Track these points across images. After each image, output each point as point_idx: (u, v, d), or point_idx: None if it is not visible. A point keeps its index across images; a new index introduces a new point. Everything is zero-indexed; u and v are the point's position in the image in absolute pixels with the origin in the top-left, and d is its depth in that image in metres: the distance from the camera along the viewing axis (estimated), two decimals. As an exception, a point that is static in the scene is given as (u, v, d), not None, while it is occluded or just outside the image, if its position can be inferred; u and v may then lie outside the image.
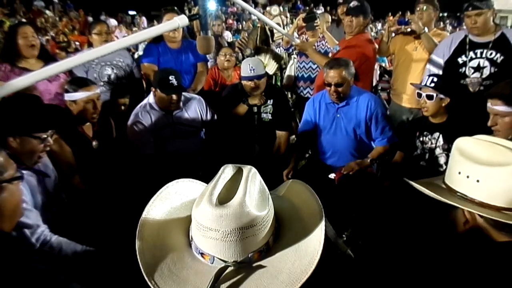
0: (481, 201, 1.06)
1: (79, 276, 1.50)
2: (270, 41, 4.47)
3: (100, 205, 2.20)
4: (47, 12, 10.62)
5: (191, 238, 0.93)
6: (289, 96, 4.31)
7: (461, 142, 1.16)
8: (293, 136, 3.57)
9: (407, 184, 1.48)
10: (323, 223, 0.93)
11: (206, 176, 2.81)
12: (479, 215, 1.08)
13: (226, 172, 0.93)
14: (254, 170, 0.94)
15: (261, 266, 0.88)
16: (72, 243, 1.77)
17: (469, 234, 1.11)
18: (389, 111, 3.64)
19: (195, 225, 0.88)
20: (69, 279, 1.24)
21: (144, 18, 12.32)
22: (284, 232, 0.96)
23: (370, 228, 2.54)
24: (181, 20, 1.82)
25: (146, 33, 1.92)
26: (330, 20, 4.80)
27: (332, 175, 2.68)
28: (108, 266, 1.72)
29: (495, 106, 2.00)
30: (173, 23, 1.85)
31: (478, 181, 1.07)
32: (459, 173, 1.12)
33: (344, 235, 2.48)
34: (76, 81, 2.44)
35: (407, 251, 1.95)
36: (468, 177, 1.09)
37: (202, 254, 0.90)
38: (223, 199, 0.86)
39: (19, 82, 1.47)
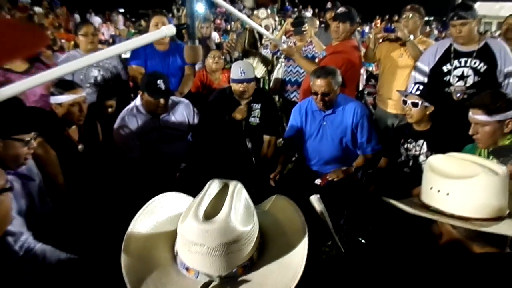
0: (452, 213, 1.11)
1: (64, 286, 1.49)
2: (259, 44, 4.48)
3: (86, 209, 2.18)
4: (36, 8, 10.43)
5: (176, 252, 0.94)
6: (276, 99, 4.33)
7: (432, 159, 1.22)
8: (280, 140, 3.59)
9: (391, 192, 1.50)
10: (306, 239, 0.95)
11: (190, 175, 2.80)
12: (451, 226, 1.13)
13: (212, 187, 0.94)
14: (240, 185, 0.95)
15: (245, 281, 0.89)
16: (56, 251, 1.74)
17: (449, 247, 1.15)
18: (374, 116, 3.70)
19: (181, 240, 0.89)
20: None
21: (120, 17, 12.14)
22: (268, 247, 0.97)
23: (356, 234, 2.58)
24: (168, 30, 1.82)
25: (133, 42, 1.90)
26: (317, 25, 4.84)
27: (317, 181, 2.71)
28: (92, 274, 1.71)
29: (476, 116, 2.05)
30: (160, 33, 1.84)
31: (448, 194, 1.12)
32: (431, 188, 1.17)
33: (330, 241, 2.51)
34: (62, 84, 2.41)
35: (392, 258, 1.99)
36: (439, 191, 1.14)
37: (187, 268, 0.90)
38: (209, 214, 0.87)
39: (7, 90, 1.45)
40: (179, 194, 1.13)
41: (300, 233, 0.97)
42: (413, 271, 1.27)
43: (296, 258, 0.92)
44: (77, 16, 11.51)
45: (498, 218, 1.09)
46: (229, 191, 0.92)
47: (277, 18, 4.71)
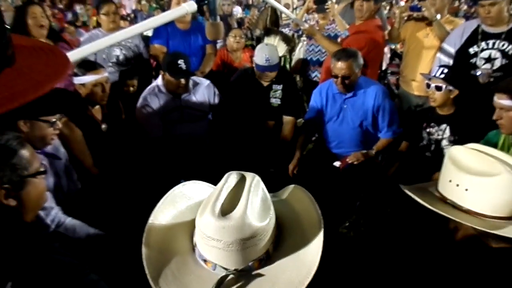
0: (468, 209, 1.11)
1: (92, 261, 1.56)
2: (280, 22, 4.40)
3: (111, 188, 2.25)
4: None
5: (195, 244, 0.96)
6: (297, 79, 4.29)
7: (453, 151, 1.21)
8: (300, 119, 3.58)
9: (411, 176, 1.48)
10: (321, 234, 0.96)
11: (212, 158, 2.84)
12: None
13: (230, 180, 0.95)
14: (257, 178, 0.96)
15: (260, 275, 0.91)
16: (85, 226, 1.83)
17: (464, 241, 1.15)
18: (398, 96, 3.64)
19: (199, 233, 0.91)
20: (87, 269, 1.30)
21: None
22: (284, 239, 0.99)
23: (373, 216, 2.59)
24: (190, 6, 1.82)
25: (155, 20, 1.91)
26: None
27: (337, 163, 2.71)
28: (118, 251, 1.78)
29: (501, 100, 2.00)
30: (181, 10, 1.84)
31: (466, 189, 1.12)
32: (450, 181, 1.17)
33: (347, 222, 2.53)
34: (84, 64, 2.44)
35: (407, 246, 2.00)
36: (458, 185, 1.14)
37: (204, 260, 0.93)
38: (226, 209, 0.89)
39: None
40: (199, 182, 1.14)
41: (315, 227, 0.98)
42: (427, 261, 1.29)
43: (312, 254, 0.93)
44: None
45: None
46: (246, 185, 0.92)
47: None
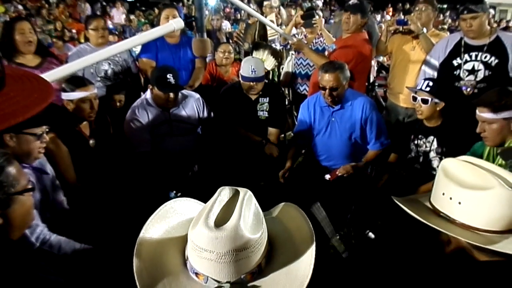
0: (462, 223, 1.11)
1: (79, 279, 1.54)
2: (269, 37, 4.45)
3: (98, 203, 2.23)
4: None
5: (187, 257, 0.96)
6: (286, 92, 4.32)
7: (446, 163, 1.21)
8: (290, 132, 3.59)
9: (400, 188, 1.49)
10: (313, 248, 0.97)
11: (202, 173, 2.83)
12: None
13: (223, 194, 0.96)
14: (249, 193, 0.97)
15: (255, 287, 0.92)
16: (71, 242, 1.80)
17: (454, 254, 1.15)
18: (386, 109, 3.68)
19: (191, 246, 0.91)
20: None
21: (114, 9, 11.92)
22: (276, 255, 0.99)
23: (364, 229, 2.59)
24: (177, 24, 1.83)
25: (143, 36, 1.93)
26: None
27: (327, 176, 2.72)
28: (106, 264, 1.75)
29: (482, 114, 2.04)
30: (169, 26, 1.85)
31: (460, 203, 1.12)
32: (443, 194, 1.17)
33: (337, 235, 2.52)
34: (73, 81, 2.43)
35: (399, 256, 2.00)
36: (451, 198, 1.14)
37: (196, 273, 0.93)
38: (219, 221, 0.89)
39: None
40: (191, 199, 1.15)
41: (308, 242, 0.99)
42: (418, 273, 1.28)
43: (303, 267, 0.94)
44: (87, 6, 11.43)
45: (509, 231, 1.08)
46: (239, 198, 0.93)
47: (283, 12, 4.57)
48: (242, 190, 0.97)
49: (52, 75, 1.63)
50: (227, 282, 0.90)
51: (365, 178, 2.81)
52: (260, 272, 0.94)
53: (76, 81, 2.43)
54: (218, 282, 0.90)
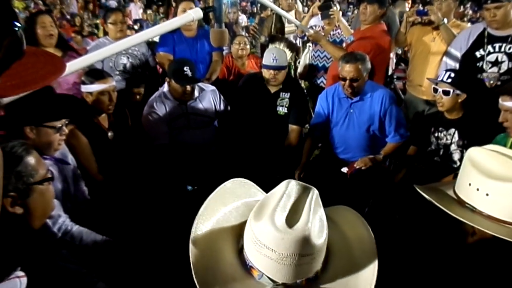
0: (489, 215, 1.08)
1: (100, 269, 1.56)
2: (286, 29, 4.40)
3: (117, 195, 2.25)
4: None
5: (243, 247, 0.92)
6: (303, 84, 4.29)
7: (473, 153, 1.17)
8: (306, 125, 3.57)
9: (420, 181, 1.46)
10: (375, 264, 0.91)
11: (218, 165, 2.83)
12: None
13: (290, 189, 0.89)
14: (317, 193, 0.90)
15: None
16: (93, 233, 1.82)
17: (481, 245, 1.12)
18: (404, 101, 3.62)
19: (252, 238, 0.86)
20: (95, 278, 1.29)
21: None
22: (331, 262, 0.93)
23: (382, 223, 2.56)
24: (195, 13, 1.82)
25: (161, 27, 1.92)
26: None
27: (344, 169, 2.69)
28: (125, 257, 1.78)
29: (505, 102, 1.99)
30: (187, 16, 1.85)
31: (487, 194, 1.08)
32: (470, 184, 1.13)
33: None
34: (92, 73, 2.46)
35: (416, 250, 1.97)
36: (478, 189, 1.10)
37: (251, 267, 0.89)
38: (287, 220, 0.83)
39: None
40: (248, 181, 1.10)
41: (369, 256, 0.92)
42: (439, 266, 1.26)
43: (364, 282, 0.88)
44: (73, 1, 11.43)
45: None
46: (308, 198, 0.87)
47: (300, 4, 4.49)
48: (311, 189, 0.90)
49: (72, 66, 1.66)
50: (282, 283, 0.85)
51: (383, 171, 2.78)
52: (315, 279, 0.89)
53: (95, 74, 2.46)
54: (274, 282, 0.86)
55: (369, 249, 0.94)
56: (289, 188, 0.89)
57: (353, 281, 0.89)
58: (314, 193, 0.89)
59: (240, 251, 0.93)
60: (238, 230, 0.95)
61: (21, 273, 0.60)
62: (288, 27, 4.40)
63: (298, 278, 0.85)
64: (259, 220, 0.85)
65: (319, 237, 0.85)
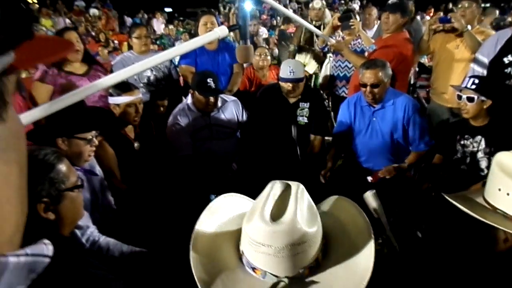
0: None
1: (126, 277, 1.58)
2: (315, 39, 4.42)
3: (143, 205, 2.29)
4: (91, 10, 10.94)
5: (242, 252, 0.95)
6: (325, 95, 4.28)
7: (501, 157, 1.15)
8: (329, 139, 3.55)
9: (446, 191, 1.44)
10: (372, 241, 0.94)
11: (242, 174, 2.85)
12: None
13: (275, 188, 0.94)
14: (302, 186, 0.95)
15: (313, 282, 0.90)
16: (119, 244, 1.85)
17: (509, 252, 1.09)
18: (428, 110, 3.57)
19: (247, 241, 0.90)
20: (123, 285, 1.30)
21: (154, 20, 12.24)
22: (332, 249, 0.97)
23: (407, 232, 2.51)
24: (221, 31, 1.85)
25: (188, 44, 1.94)
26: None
27: (369, 178, 2.66)
28: (153, 266, 1.79)
29: None
30: (214, 34, 1.87)
31: None
32: (499, 189, 1.11)
33: (380, 239, 2.46)
34: (120, 86, 2.52)
35: (443, 260, 1.92)
36: (508, 194, 1.08)
37: (253, 268, 0.92)
38: (275, 215, 0.88)
39: (73, 96, 1.54)
40: (238, 195, 1.15)
41: (364, 235, 0.96)
42: (468, 275, 1.23)
43: (363, 261, 0.91)
44: (128, 19, 11.85)
45: None
46: (292, 192, 0.92)
47: (328, 13, 4.51)
48: (294, 184, 0.95)
49: (100, 85, 1.70)
50: (285, 276, 0.88)
51: (408, 180, 2.73)
52: (317, 266, 0.92)
53: (122, 86, 2.52)
54: (277, 277, 0.89)
55: (364, 229, 0.98)
56: (274, 188, 0.94)
57: (354, 261, 0.93)
58: (299, 187, 0.94)
59: (240, 256, 0.97)
60: (236, 238, 0.99)
61: (47, 241, 0.62)
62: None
63: (299, 268, 0.89)
64: (250, 221, 0.89)
65: (310, 225, 0.89)
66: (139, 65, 1.79)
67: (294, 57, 4.01)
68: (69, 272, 1.08)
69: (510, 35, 2.77)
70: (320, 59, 4.13)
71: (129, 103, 2.47)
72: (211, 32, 1.79)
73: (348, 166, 2.98)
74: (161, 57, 1.86)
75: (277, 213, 0.88)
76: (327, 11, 4.56)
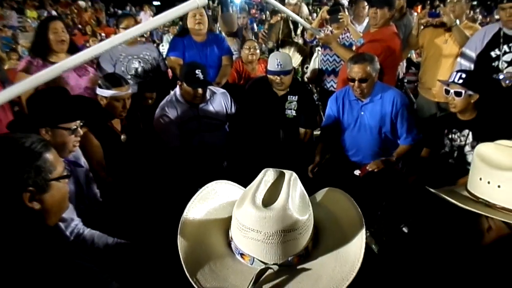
0: (503, 206, 1.07)
1: (111, 269, 1.55)
2: (293, 34, 4.41)
3: (129, 197, 2.26)
4: (80, 2, 10.76)
5: (231, 238, 0.94)
6: (313, 89, 4.28)
7: (481, 148, 1.17)
8: (318, 129, 3.55)
9: (434, 184, 1.45)
10: (363, 232, 0.94)
11: (231, 167, 2.84)
12: (502, 221, 1.08)
13: (268, 175, 0.94)
14: (295, 175, 0.94)
15: (303, 270, 0.89)
16: (104, 236, 1.82)
17: (498, 242, 1.10)
18: (416, 105, 3.59)
19: (236, 226, 0.89)
20: (109, 277, 1.28)
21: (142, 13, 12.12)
22: (322, 239, 0.97)
23: (395, 225, 2.53)
24: (200, 0, 1.81)
25: (165, 16, 1.88)
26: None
27: (357, 172, 2.67)
28: (138, 258, 1.77)
29: None
30: (192, 3, 1.82)
31: (499, 186, 1.08)
32: (480, 179, 1.13)
33: (368, 231, 2.47)
34: (110, 79, 2.47)
35: (431, 252, 1.94)
36: (489, 182, 1.10)
37: (242, 254, 0.91)
38: (266, 201, 0.87)
39: (46, 74, 1.51)
40: (230, 182, 1.14)
41: (356, 225, 0.96)
42: (455, 266, 1.23)
43: (353, 251, 0.91)
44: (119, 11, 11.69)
45: None
46: (285, 179, 0.91)
47: (304, 8, 4.49)
48: (287, 172, 0.94)
49: (77, 58, 1.66)
50: (274, 263, 0.87)
51: (396, 173, 2.74)
52: (307, 255, 0.91)
53: (113, 80, 2.47)
54: (265, 263, 0.88)
55: (356, 220, 0.98)
56: (266, 175, 0.93)
57: (344, 250, 0.92)
58: (292, 175, 0.93)
59: (229, 242, 0.96)
60: (226, 224, 0.98)
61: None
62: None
63: (288, 256, 0.88)
64: (240, 206, 0.88)
65: (302, 213, 0.88)
66: (109, 41, 1.74)
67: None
68: (55, 262, 1.05)
69: (497, 29, 2.80)
70: (304, 52, 4.12)
71: (117, 97, 2.42)
72: (190, 1, 1.74)
73: (336, 160, 2.98)
74: (137, 30, 1.81)
75: (269, 199, 0.87)
76: (303, 6, 4.55)
